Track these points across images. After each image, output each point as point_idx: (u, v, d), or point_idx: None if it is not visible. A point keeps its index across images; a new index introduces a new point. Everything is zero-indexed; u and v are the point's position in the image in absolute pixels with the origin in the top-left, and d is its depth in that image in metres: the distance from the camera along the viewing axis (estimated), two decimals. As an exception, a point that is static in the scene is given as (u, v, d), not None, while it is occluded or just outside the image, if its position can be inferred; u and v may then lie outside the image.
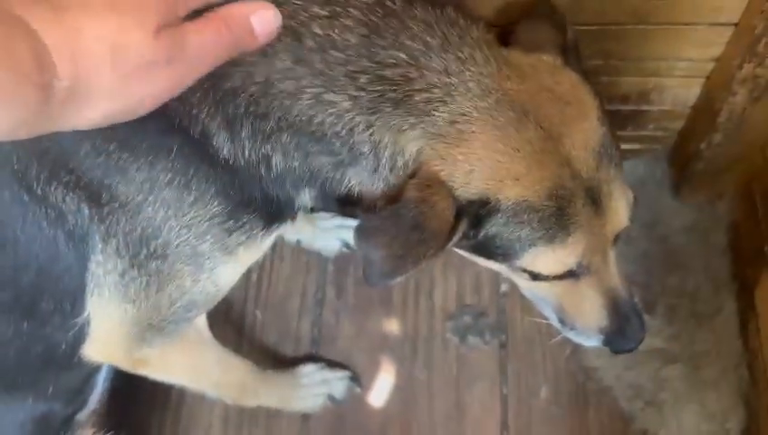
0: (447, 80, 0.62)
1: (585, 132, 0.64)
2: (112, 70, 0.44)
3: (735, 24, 0.87)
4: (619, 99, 1.02)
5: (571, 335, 0.77)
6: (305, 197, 0.70)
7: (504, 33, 0.70)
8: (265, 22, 0.52)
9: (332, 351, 1.16)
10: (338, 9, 0.62)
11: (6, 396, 0.74)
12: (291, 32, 0.60)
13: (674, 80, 0.98)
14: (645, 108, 1.04)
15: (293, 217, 0.73)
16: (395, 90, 0.61)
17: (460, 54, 0.63)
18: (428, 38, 0.62)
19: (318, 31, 0.61)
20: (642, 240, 1.14)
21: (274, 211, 0.69)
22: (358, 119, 0.62)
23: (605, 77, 0.97)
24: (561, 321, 0.76)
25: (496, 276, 1.17)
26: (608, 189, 0.65)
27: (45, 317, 0.68)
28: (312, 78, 0.61)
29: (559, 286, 0.71)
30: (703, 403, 1.06)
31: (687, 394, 1.07)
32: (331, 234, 1.20)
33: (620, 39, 0.90)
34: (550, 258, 0.65)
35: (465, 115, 0.62)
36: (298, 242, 1.21)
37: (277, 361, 1.14)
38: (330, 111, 0.62)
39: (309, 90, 0.61)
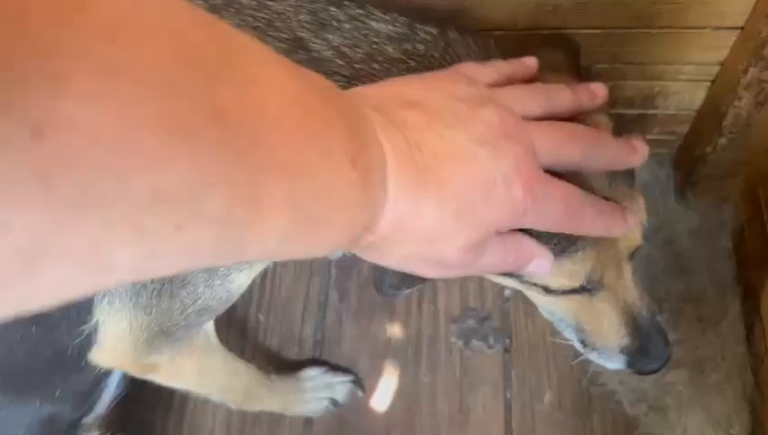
0: None
1: None
2: (414, 250, 0.45)
3: (741, 28, 0.87)
4: (624, 103, 1.02)
5: (594, 357, 0.75)
6: None
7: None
8: (540, 267, 0.56)
9: (335, 354, 1.16)
10: (408, 47, 0.63)
11: (14, 398, 0.74)
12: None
13: (679, 84, 0.98)
14: (650, 112, 1.04)
15: None
16: None
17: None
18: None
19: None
20: (646, 244, 1.12)
21: None
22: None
23: (609, 81, 0.97)
24: (583, 341, 0.75)
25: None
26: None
27: (53, 322, 0.68)
28: None
29: (574, 302, 0.70)
30: (707, 408, 1.06)
31: (692, 399, 1.06)
32: (334, 238, 1.20)
33: (625, 43, 0.90)
34: (559, 271, 0.64)
35: None
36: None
37: (280, 364, 1.14)
38: None
39: None
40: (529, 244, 0.55)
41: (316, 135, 0.35)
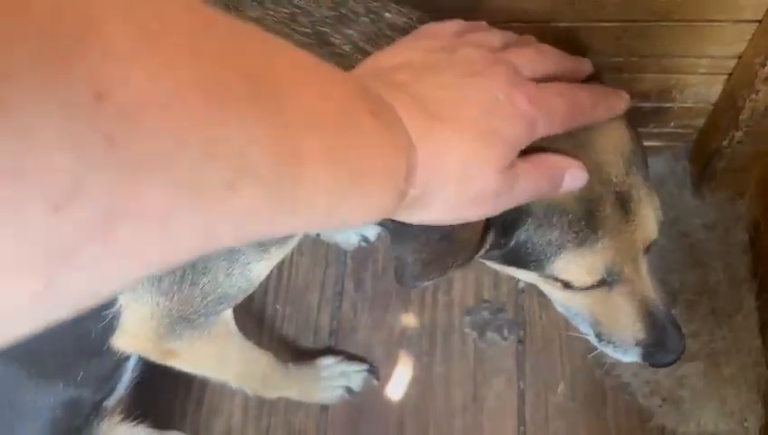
0: None
1: (614, 139, 0.65)
2: (455, 191, 0.46)
3: (759, 22, 0.86)
4: (641, 96, 1.02)
5: (609, 351, 0.76)
6: None
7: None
8: (575, 179, 0.57)
9: (351, 343, 1.17)
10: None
11: (39, 381, 0.76)
12: None
13: (696, 77, 0.98)
14: (666, 105, 1.04)
15: None
16: None
17: None
18: None
19: None
20: (662, 237, 1.12)
21: None
22: None
23: (626, 74, 0.97)
24: (599, 335, 0.75)
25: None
26: (637, 195, 0.65)
27: None
28: None
29: (591, 297, 0.70)
30: (722, 401, 1.06)
31: (706, 392, 1.07)
32: (350, 228, 1.21)
33: (642, 36, 0.90)
34: (580, 264, 0.65)
35: None
36: (317, 235, 1.22)
37: (296, 353, 1.16)
38: None
39: None
40: (555, 158, 0.56)
41: (331, 93, 0.37)
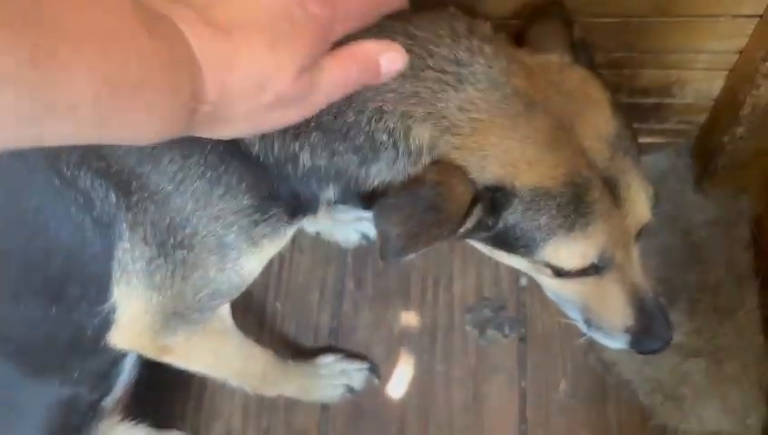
0: (457, 69, 0.63)
1: (597, 124, 0.65)
2: (253, 102, 0.47)
3: (760, 16, 0.86)
4: (641, 92, 1.01)
5: (597, 336, 0.77)
6: (329, 193, 0.71)
7: (516, 36, 0.71)
8: (392, 62, 0.55)
9: (351, 342, 1.17)
10: None
11: (35, 379, 0.76)
12: None
13: (696, 73, 0.98)
14: (667, 101, 1.04)
15: (316, 211, 0.74)
16: (407, 80, 0.62)
17: (469, 45, 0.64)
18: (437, 28, 0.64)
19: None
20: (664, 234, 1.13)
21: (299, 205, 0.70)
22: (380, 120, 0.63)
23: (626, 70, 0.97)
24: (587, 321, 0.76)
25: (516, 270, 1.17)
26: (625, 181, 0.65)
27: (72, 302, 0.70)
28: None
29: (582, 284, 0.71)
30: (724, 398, 1.06)
31: (708, 389, 1.06)
32: (349, 226, 1.21)
33: (642, 32, 0.90)
34: (571, 249, 0.65)
35: (474, 104, 0.63)
36: (317, 234, 1.22)
37: (297, 351, 1.15)
38: (355, 110, 0.63)
39: None
40: (368, 45, 0.54)
41: (100, 7, 0.39)
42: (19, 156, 0.61)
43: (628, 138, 0.66)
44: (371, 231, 1.21)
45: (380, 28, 0.60)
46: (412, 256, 0.64)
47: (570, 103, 0.64)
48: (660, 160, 1.16)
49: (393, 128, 0.63)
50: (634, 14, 0.87)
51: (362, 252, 1.22)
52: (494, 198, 0.63)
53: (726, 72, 0.97)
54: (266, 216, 0.68)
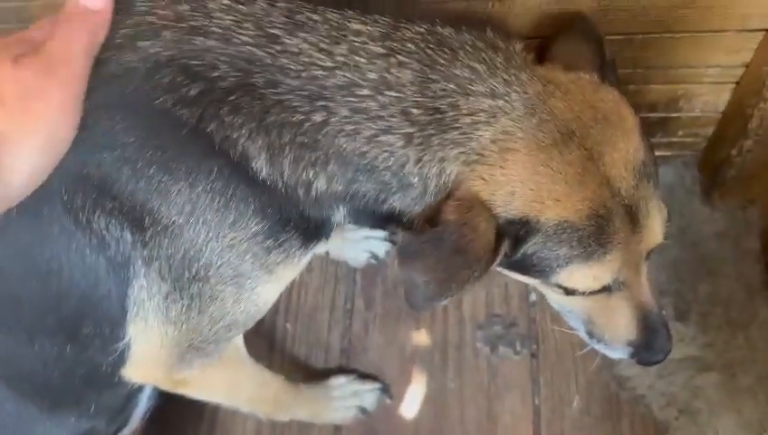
0: (493, 102, 0.63)
1: (626, 152, 0.65)
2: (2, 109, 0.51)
3: (766, 30, 0.86)
4: (648, 106, 1.01)
5: (599, 347, 0.78)
6: (341, 214, 0.70)
7: (540, 48, 0.70)
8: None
9: (363, 362, 1.16)
10: (394, 45, 0.64)
11: (51, 414, 0.76)
12: (347, 82, 0.62)
13: (703, 86, 0.98)
14: (674, 115, 1.04)
15: (328, 235, 0.73)
16: (443, 118, 0.63)
17: (505, 76, 0.64)
18: (476, 64, 0.64)
19: (372, 76, 0.62)
20: (673, 247, 1.13)
21: (311, 229, 0.70)
22: (410, 154, 0.63)
23: (632, 85, 0.97)
24: (590, 333, 0.76)
25: (526, 286, 1.17)
26: (645, 207, 0.65)
27: (87, 341, 0.70)
28: (369, 122, 0.63)
29: (591, 300, 0.71)
30: (739, 411, 1.05)
31: (723, 403, 1.06)
32: (358, 245, 1.21)
33: (647, 48, 0.90)
34: (586, 275, 0.65)
35: (509, 135, 0.62)
36: (326, 253, 1.21)
37: (308, 372, 1.15)
38: (384, 149, 0.63)
39: (365, 132, 0.63)
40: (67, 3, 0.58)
41: None
42: (34, 204, 0.61)
43: (651, 163, 0.66)
44: (380, 250, 1.21)
45: (431, 65, 0.62)
46: (445, 302, 0.63)
47: (603, 129, 0.64)
48: (667, 173, 1.16)
49: (426, 172, 0.63)
50: (639, 30, 0.87)
51: (371, 271, 1.22)
52: (515, 232, 0.63)
53: (733, 86, 0.97)
54: (279, 241, 0.67)
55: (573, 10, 0.81)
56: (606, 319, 0.73)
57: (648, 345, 0.73)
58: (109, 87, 0.60)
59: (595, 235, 0.63)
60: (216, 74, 0.61)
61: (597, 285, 0.67)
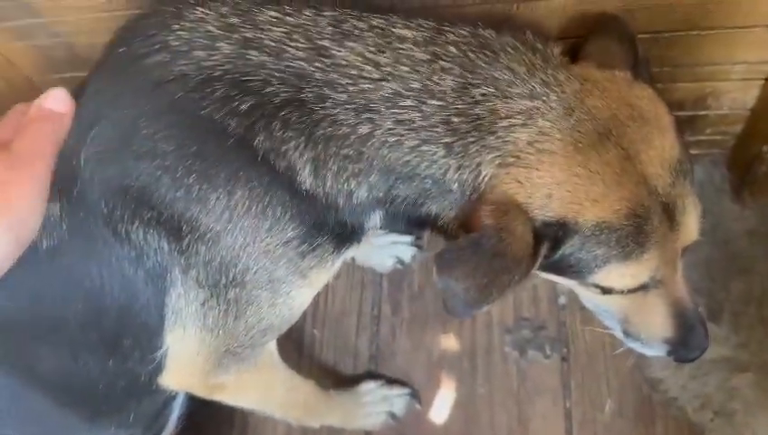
0: (531, 103, 0.63)
1: (663, 149, 0.64)
2: None
3: (794, 25, 0.85)
4: (675, 105, 1.00)
5: (635, 346, 0.77)
6: (376, 219, 0.71)
7: (573, 48, 0.70)
8: (56, 100, 0.65)
9: (391, 367, 1.16)
10: (438, 50, 0.64)
11: (92, 424, 0.77)
12: (392, 93, 0.63)
13: (731, 83, 0.97)
14: (702, 113, 1.03)
15: (360, 239, 0.74)
16: (482, 124, 0.63)
17: (544, 77, 0.64)
18: (516, 66, 0.64)
19: (416, 85, 0.63)
20: (704, 246, 1.11)
21: (345, 234, 0.70)
22: (450, 162, 0.64)
23: (659, 84, 0.95)
24: (625, 332, 0.76)
25: (554, 289, 1.16)
26: (682, 204, 0.65)
27: (127, 352, 0.71)
28: (412, 133, 0.63)
29: (628, 299, 0.71)
30: (776, 412, 1.03)
31: (759, 403, 1.04)
32: (385, 250, 1.21)
33: (674, 46, 0.89)
34: (624, 274, 0.65)
35: (546, 135, 0.62)
36: (353, 259, 1.22)
37: (337, 378, 1.15)
38: (426, 158, 0.64)
39: (408, 143, 0.64)
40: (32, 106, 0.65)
41: None
42: (77, 221, 0.63)
43: (687, 160, 0.66)
44: (406, 255, 1.21)
45: (472, 69, 0.63)
46: (486, 308, 0.63)
47: (640, 128, 0.64)
48: (696, 172, 1.13)
49: (465, 178, 0.64)
50: (664, 29, 0.87)
51: (397, 276, 1.22)
52: (553, 234, 0.63)
53: (762, 82, 0.96)
54: (313, 246, 0.68)
55: (597, 11, 0.81)
56: (643, 317, 0.73)
57: (685, 342, 0.72)
58: (157, 91, 0.62)
59: (633, 234, 0.63)
60: (268, 90, 0.62)
61: (634, 284, 0.67)
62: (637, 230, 0.63)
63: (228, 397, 0.82)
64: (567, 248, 0.64)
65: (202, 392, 0.79)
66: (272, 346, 0.84)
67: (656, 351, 0.75)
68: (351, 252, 0.75)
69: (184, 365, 0.73)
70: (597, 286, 0.69)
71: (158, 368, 0.72)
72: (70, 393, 0.73)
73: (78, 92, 0.67)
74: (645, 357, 0.95)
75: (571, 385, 1.11)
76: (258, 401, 0.90)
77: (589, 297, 0.76)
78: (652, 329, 0.73)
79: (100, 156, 0.63)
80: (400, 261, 1.21)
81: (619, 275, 0.66)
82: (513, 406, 1.11)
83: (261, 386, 0.87)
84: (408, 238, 1.22)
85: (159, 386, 0.75)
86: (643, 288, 0.69)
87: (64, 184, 0.63)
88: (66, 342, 0.69)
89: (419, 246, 1.22)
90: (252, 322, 0.71)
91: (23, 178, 0.60)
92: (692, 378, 1.07)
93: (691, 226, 0.67)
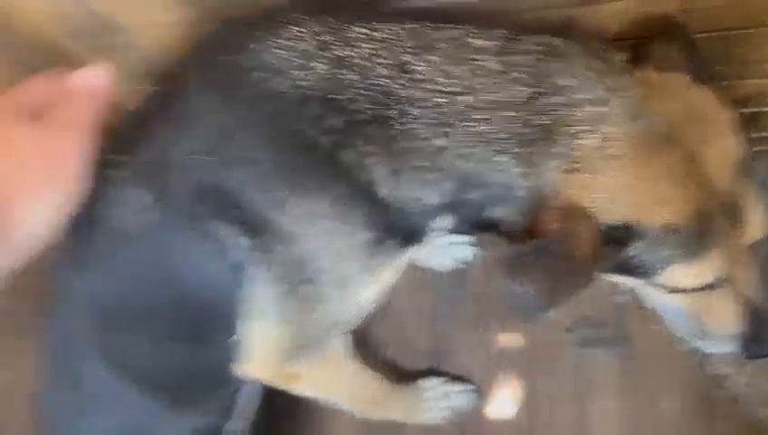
0: (595, 109, 0.65)
1: (725, 150, 0.66)
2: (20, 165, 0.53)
3: None
4: (739, 102, 0.99)
5: (702, 344, 0.77)
6: (442, 222, 0.73)
7: (634, 52, 0.71)
8: (96, 75, 0.63)
9: (452, 365, 1.19)
10: (510, 59, 0.66)
11: (173, 412, 0.81)
12: (466, 107, 0.65)
13: (796, 79, 0.96)
14: (766, 109, 1.02)
15: (424, 240, 0.76)
16: (550, 132, 0.65)
17: (609, 83, 0.66)
18: (583, 73, 0.66)
19: (489, 97, 0.65)
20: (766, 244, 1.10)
21: (412, 236, 0.73)
22: (519, 171, 0.66)
23: (726, 81, 0.95)
24: (693, 331, 0.76)
25: (614, 287, 1.16)
26: (745, 203, 0.66)
27: (208, 342, 0.75)
28: (484, 144, 0.65)
29: (694, 298, 0.71)
30: None
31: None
32: (444, 251, 1.23)
33: (737, 43, 0.89)
34: (688, 274, 0.66)
35: (610, 141, 0.64)
36: (412, 259, 1.24)
37: (398, 375, 1.18)
38: (496, 168, 0.66)
39: (479, 154, 0.66)
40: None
41: None
42: (163, 213, 0.67)
43: (749, 158, 0.67)
44: (465, 255, 1.23)
45: (542, 79, 0.64)
46: (554, 311, 0.64)
47: (701, 129, 0.65)
48: (760, 169, 1.13)
49: (531, 184, 0.66)
50: (727, 26, 0.87)
51: (457, 276, 1.24)
52: (618, 237, 0.64)
53: (828, 77, 0.95)
54: (382, 248, 0.71)
55: (659, 12, 0.82)
56: (711, 315, 0.73)
57: (757, 338, 0.72)
58: (255, 106, 0.65)
59: (697, 234, 0.64)
60: (356, 107, 0.65)
61: (700, 283, 0.68)
62: (701, 230, 0.64)
63: (300, 387, 0.85)
64: (632, 250, 0.65)
65: (276, 382, 0.83)
66: (341, 341, 0.88)
67: (725, 348, 0.75)
68: (415, 252, 0.78)
69: (260, 356, 0.77)
70: (663, 287, 0.70)
71: (237, 358, 0.76)
72: (154, 381, 0.78)
73: (165, 90, 0.70)
74: (707, 354, 0.95)
75: (630, 383, 1.12)
76: (327, 392, 0.93)
77: (655, 298, 0.76)
78: (721, 326, 0.73)
79: (193, 156, 0.66)
80: (459, 261, 1.23)
81: (684, 275, 0.67)
82: (573, 404, 1.12)
83: (329, 378, 0.90)
84: (467, 239, 1.23)
85: (237, 376, 0.79)
86: (710, 287, 0.69)
87: (154, 176, 0.67)
88: (152, 330, 0.74)
89: (478, 247, 1.24)
90: (323, 317, 0.74)
91: (70, 148, 0.58)
92: (756, 375, 1.06)
93: (756, 223, 0.67)
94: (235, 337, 0.74)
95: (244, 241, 0.68)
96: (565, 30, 0.69)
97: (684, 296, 0.72)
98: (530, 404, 1.14)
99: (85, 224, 0.67)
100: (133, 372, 0.77)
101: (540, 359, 1.16)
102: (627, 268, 0.68)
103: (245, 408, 0.94)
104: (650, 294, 0.76)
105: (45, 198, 0.57)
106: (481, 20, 0.70)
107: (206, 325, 0.74)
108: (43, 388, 0.84)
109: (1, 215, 0.54)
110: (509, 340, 1.19)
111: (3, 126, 0.56)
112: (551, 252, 0.62)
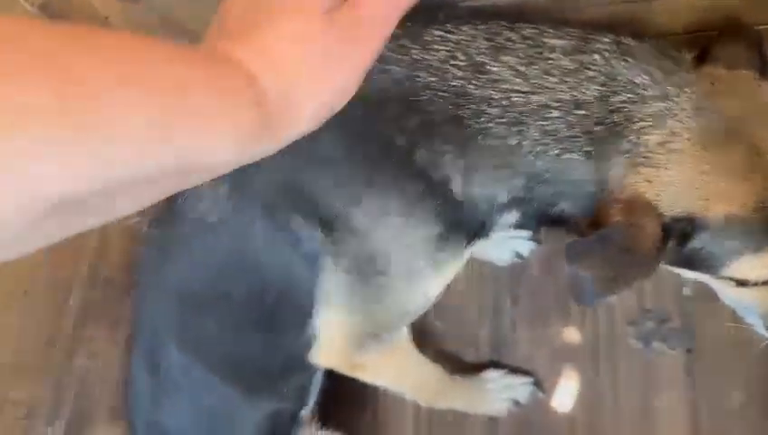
0: (662, 105, 0.66)
1: None
2: (305, 64, 0.45)
3: None
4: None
5: None
6: (510, 218, 0.75)
7: (700, 49, 0.72)
8: None
9: (513, 357, 1.20)
10: (584, 58, 0.68)
11: (249, 397, 0.86)
12: (540, 105, 0.67)
13: None
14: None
15: (488, 234, 0.79)
16: (618, 129, 0.66)
17: (676, 79, 0.67)
18: (652, 70, 0.67)
19: (563, 96, 0.67)
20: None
21: (478, 230, 0.76)
22: (589, 168, 0.68)
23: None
24: (764, 323, 0.76)
25: (678, 280, 1.16)
26: None
27: (283, 330, 0.79)
28: (556, 142, 0.68)
29: (763, 290, 0.71)
30: None
31: None
32: (504, 245, 1.24)
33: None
34: (756, 266, 0.67)
35: (675, 136, 0.65)
36: (472, 253, 1.26)
37: (460, 367, 1.19)
38: (567, 165, 0.68)
39: (552, 152, 0.68)
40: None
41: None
42: (240, 205, 0.71)
43: None
44: (524, 249, 1.24)
45: (614, 78, 0.66)
46: (611, 298, 0.66)
47: (767, 123, 0.66)
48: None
49: (599, 180, 0.67)
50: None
51: (517, 269, 1.25)
52: (682, 229, 0.65)
53: None
54: (450, 242, 0.74)
55: (724, 4, 0.82)
56: None
57: None
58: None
59: (763, 225, 0.64)
60: (432, 108, 0.68)
61: None
62: (766, 221, 0.64)
63: (367, 376, 0.89)
64: (697, 243, 0.66)
65: (345, 370, 0.87)
66: (406, 331, 0.91)
67: None
68: (478, 246, 0.80)
69: (331, 344, 0.81)
70: (731, 279, 0.70)
71: (309, 345, 0.80)
72: (231, 368, 0.83)
73: None
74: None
75: (696, 377, 1.11)
76: (393, 381, 0.96)
77: (726, 292, 0.77)
78: None
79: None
80: (518, 255, 1.24)
81: (751, 266, 0.67)
82: (637, 397, 1.12)
83: (395, 367, 0.93)
84: (527, 233, 1.25)
85: (309, 363, 0.83)
86: None
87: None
88: (230, 317, 0.78)
89: (538, 241, 1.25)
90: (391, 307, 0.78)
91: (359, 52, 0.48)
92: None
93: None
94: (307, 326, 0.78)
95: (320, 234, 0.71)
96: (633, 27, 0.70)
97: (754, 290, 0.72)
98: (593, 396, 1.14)
99: (167, 213, 0.72)
100: (210, 358, 0.82)
101: (603, 352, 1.16)
102: (693, 261, 0.69)
103: (317, 392, 0.98)
104: (719, 287, 0.76)
105: (319, 98, 0.49)
106: (552, 18, 0.72)
107: (280, 314, 0.78)
108: (128, 375, 0.90)
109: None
110: (571, 333, 1.19)
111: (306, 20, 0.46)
112: (613, 241, 0.64)
